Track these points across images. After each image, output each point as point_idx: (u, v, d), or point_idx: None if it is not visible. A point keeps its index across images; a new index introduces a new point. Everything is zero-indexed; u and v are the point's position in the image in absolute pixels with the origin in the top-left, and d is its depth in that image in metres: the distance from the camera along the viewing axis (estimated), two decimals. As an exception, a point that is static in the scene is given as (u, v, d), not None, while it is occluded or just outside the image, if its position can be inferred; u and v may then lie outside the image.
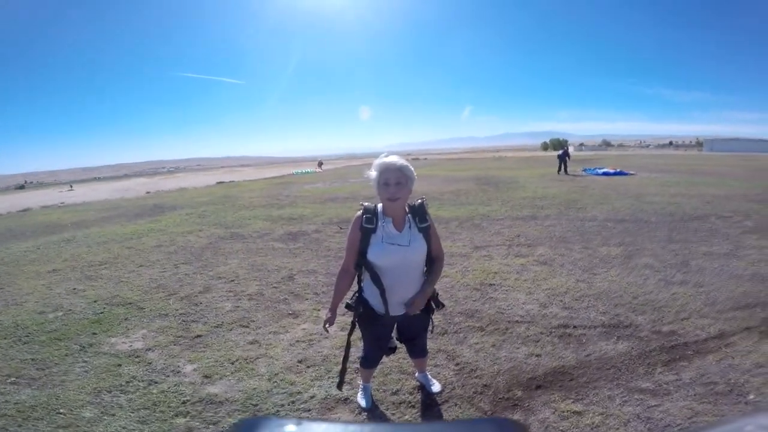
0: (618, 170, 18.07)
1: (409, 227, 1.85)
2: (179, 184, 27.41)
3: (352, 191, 14.23)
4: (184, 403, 2.41)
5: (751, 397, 2.19)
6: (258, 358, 2.88)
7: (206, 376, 2.67)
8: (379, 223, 1.82)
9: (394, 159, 1.78)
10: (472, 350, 2.87)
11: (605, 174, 17.30)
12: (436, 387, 2.43)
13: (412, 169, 1.82)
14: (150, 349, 3.09)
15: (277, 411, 2.32)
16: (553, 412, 2.19)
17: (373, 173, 1.79)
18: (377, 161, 1.80)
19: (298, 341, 3.10)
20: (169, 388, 2.55)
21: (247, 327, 3.38)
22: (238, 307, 3.83)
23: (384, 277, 1.83)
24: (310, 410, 2.31)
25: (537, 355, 2.75)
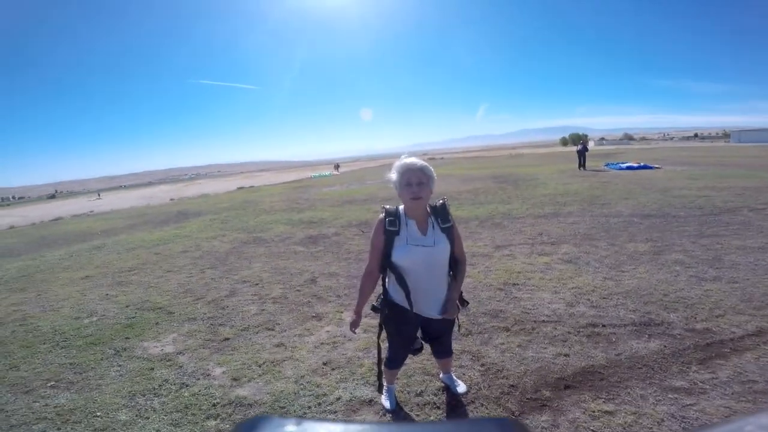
0: (642, 164, 17.52)
1: (433, 228, 1.87)
2: (201, 190, 28.11)
3: (370, 193, 14.29)
4: (214, 405, 2.47)
5: (795, 395, 2.09)
6: (284, 360, 2.93)
7: (235, 379, 2.73)
8: (402, 225, 1.84)
9: (414, 159, 1.82)
10: (497, 351, 2.83)
11: (629, 168, 16.80)
12: (461, 388, 2.41)
13: (432, 169, 1.84)
14: (180, 352, 3.18)
15: (304, 413, 2.35)
16: (584, 412, 2.14)
17: (393, 175, 1.82)
18: (397, 163, 1.83)
19: (322, 343, 3.13)
20: (199, 390, 2.62)
21: (273, 330, 3.45)
22: (263, 310, 3.90)
23: (409, 278, 1.85)
24: (336, 412, 2.33)
25: (565, 355, 2.69)
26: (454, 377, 2.48)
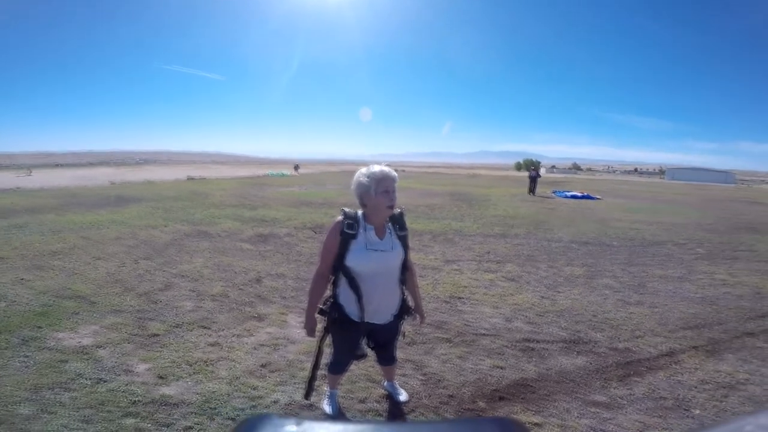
0: (585, 194, 18.87)
1: (390, 234, 1.90)
2: (147, 176, 26.36)
3: (328, 197, 14.13)
4: (134, 403, 2.28)
5: (697, 411, 2.31)
6: (218, 360, 2.78)
7: (161, 377, 2.54)
8: (361, 230, 1.84)
9: (389, 168, 1.86)
10: (439, 361, 2.88)
11: (573, 197, 18.02)
12: (403, 396, 2.43)
13: None
14: (100, 346, 2.91)
15: (237, 415, 2.23)
16: None
17: (364, 180, 1.81)
18: (374, 169, 1.83)
19: (262, 345, 3.01)
20: (118, 387, 2.41)
21: (209, 328, 3.26)
22: (200, 307, 3.69)
23: (363, 283, 1.84)
24: (270, 416, 2.24)
25: (501, 368, 2.79)
26: (397, 385, 2.49)
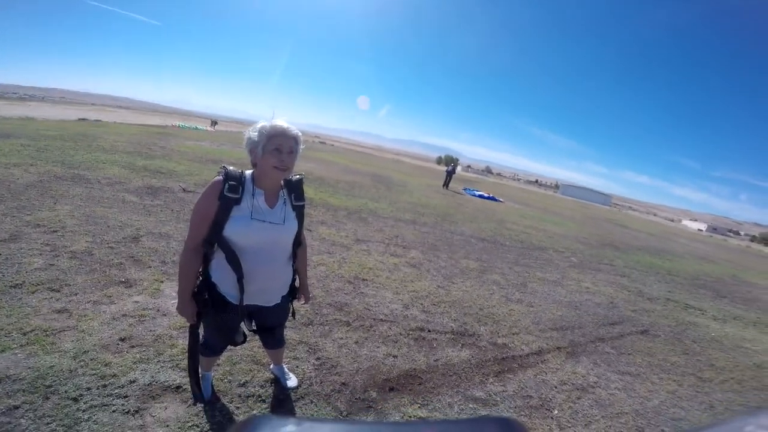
0: (491, 195, 20.52)
1: (284, 203, 1.62)
2: (28, 113, 21.59)
3: (241, 158, 13.04)
4: (-65, 378, 1.77)
5: (555, 412, 2.55)
6: (64, 330, 2.30)
7: (-20, 347, 2.02)
8: (247, 194, 1.52)
9: (287, 124, 1.51)
10: (335, 345, 2.78)
11: (480, 197, 19.46)
12: (292, 382, 2.25)
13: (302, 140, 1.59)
14: None
15: (80, 395, 1.87)
16: (402, 416, 2.23)
17: (254, 135, 1.49)
18: (264, 124, 1.51)
19: (125, 315, 2.58)
20: None
21: (58, 291, 2.70)
22: (52, 265, 3.04)
23: (244, 259, 1.54)
24: (126, 396, 1.91)
25: (394, 356, 2.80)
26: (286, 369, 2.30)
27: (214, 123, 40.03)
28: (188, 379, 1.82)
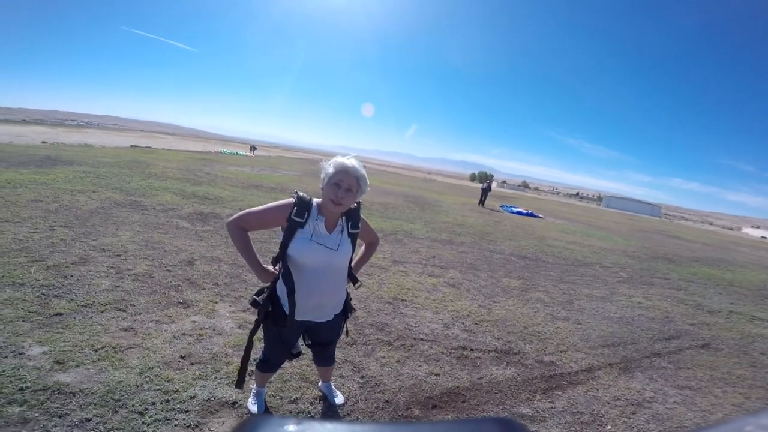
0: (530, 211, 19.95)
1: (341, 230, 1.76)
2: (86, 140, 23.89)
3: (281, 182, 13.64)
4: (21, 390, 1.98)
5: (609, 427, 2.45)
6: (131, 347, 2.50)
7: (58, 362, 2.23)
8: (311, 219, 1.68)
9: (355, 164, 1.66)
10: (378, 364, 2.82)
11: (519, 213, 18.97)
12: (339, 399, 2.32)
13: (368, 181, 1.71)
14: (-12, 322, 2.51)
15: (146, 409, 2.01)
16: None
17: (330, 168, 1.66)
18: (340, 159, 1.67)
19: (184, 334, 2.76)
20: (3, 370, 2.08)
21: (124, 311, 2.94)
22: (118, 286, 3.32)
23: (302, 276, 1.70)
24: (187, 411, 2.04)
25: (436, 375, 2.79)
26: (333, 387, 2.38)
27: (253, 148, 41.84)
28: (238, 373, 1.94)
